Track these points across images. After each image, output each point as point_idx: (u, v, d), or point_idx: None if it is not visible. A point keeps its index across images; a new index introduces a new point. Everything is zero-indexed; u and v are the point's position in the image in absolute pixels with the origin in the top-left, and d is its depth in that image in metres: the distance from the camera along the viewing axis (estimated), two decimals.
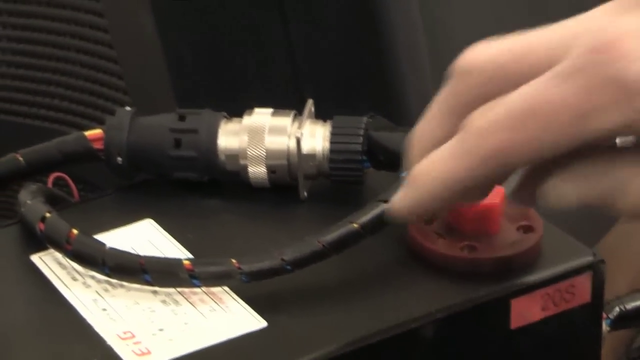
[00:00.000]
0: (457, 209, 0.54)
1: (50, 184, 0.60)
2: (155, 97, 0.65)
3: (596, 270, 0.54)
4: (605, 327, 0.57)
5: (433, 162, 0.48)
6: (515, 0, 0.89)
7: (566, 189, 0.48)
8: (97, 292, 0.53)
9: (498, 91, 0.47)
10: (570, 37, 0.46)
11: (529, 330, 0.53)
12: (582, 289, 0.54)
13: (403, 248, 0.55)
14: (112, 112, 0.63)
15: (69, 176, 0.62)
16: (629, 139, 0.47)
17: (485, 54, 0.48)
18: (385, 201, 0.54)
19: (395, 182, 0.55)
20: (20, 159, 0.60)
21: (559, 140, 0.46)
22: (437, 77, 0.64)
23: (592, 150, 0.48)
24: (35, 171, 0.60)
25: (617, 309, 0.59)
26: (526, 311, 0.53)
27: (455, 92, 0.49)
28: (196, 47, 0.73)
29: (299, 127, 0.58)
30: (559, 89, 0.45)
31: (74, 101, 0.81)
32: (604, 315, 0.57)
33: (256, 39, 0.70)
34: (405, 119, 0.66)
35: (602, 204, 0.48)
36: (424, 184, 0.48)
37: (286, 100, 0.61)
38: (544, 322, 0.53)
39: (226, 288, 0.53)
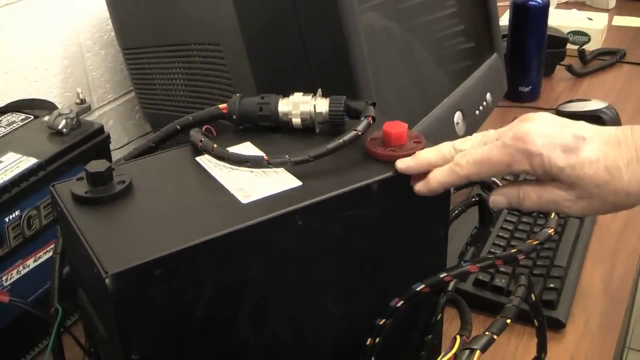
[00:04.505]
0: (387, 133, 0.55)
1: (203, 130, 0.59)
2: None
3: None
4: (452, 188, 0.56)
5: (438, 173, 0.52)
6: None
7: (498, 198, 0.53)
8: (226, 171, 0.54)
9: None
10: (507, 128, 0.51)
11: None
12: None
13: (362, 151, 0.56)
14: None
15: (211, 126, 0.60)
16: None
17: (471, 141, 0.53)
18: (355, 130, 0.55)
19: (356, 123, 0.56)
20: (190, 118, 0.60)
21: (497, 173, 0.50)
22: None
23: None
24: (196, 124, 0.59)
25: None
26: (418, 176, 0.53)
27: (448, 152, 0.53)
28: (268, 77, 0.73)
29: (315, 100, 0.58)
30: (500, 152, 0.50)
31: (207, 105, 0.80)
32: None
33: (293, 71, 0.71)
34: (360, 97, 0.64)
35: (517, 206, 0.52)
36: (432, 184, 0.52)
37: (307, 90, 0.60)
38: None
39: (283, 169, 0.54)
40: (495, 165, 0.50)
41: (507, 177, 0.92)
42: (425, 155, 0.54)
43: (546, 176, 0.50)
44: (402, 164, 0.53)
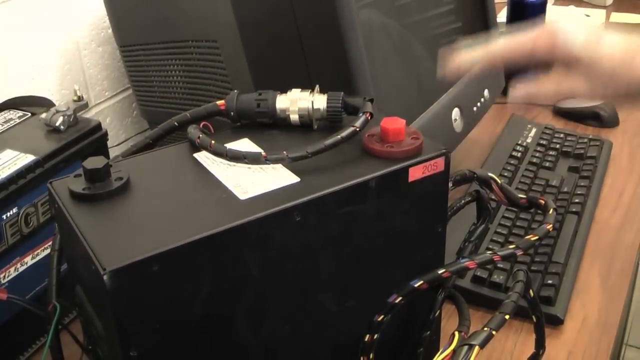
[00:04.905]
0: (384, 129, 0.54)
1: (200, 126, 0.58)
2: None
3: (446, 156, 0.55)
4: (450, 184, 0.58)
5: (475, 51, 0.58)
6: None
7: (517, 91, 0.59)
8: (224, 168, 0.53)
9: None
10: (543, 27, 0.56)
11: (416, 182, 0.54)
12: (440, 164, 0.54)
13: (360, 147, 0.55)
14: None
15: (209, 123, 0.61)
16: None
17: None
18: (353, 126, 0.54)
19: (354, 119, 0.55)
20: (188, 115, 0.59)
21: (522, 57, 0.56)
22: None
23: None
24: (194, 121, 0.59)
25: (454, 176, 0.61)
26: (416, 173, 0.54)
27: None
28: (265, 73, 0.73)
29: (312, 96, 0.58)
30: (527, 36, 0.56)
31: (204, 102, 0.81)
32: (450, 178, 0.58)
33: (291, 68, 0.71)
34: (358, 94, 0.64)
35: (535, 96, 0.58)
36: (463, 56, 0.58)
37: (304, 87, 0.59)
38: (423, 178, 0.54)
39: (281, 165, 0.53)
40: (520, 47, 0.56)
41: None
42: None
43: (565, 60, 0.55)
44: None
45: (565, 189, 0.93)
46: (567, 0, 1.71)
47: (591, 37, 0.55)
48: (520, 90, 0.59)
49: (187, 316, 0.47)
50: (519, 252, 0.56)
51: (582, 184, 0.95)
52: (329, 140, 0.54)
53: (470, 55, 0.58)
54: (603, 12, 1.60)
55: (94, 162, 0.51)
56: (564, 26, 0.56)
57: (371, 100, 0.58)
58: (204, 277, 0.47)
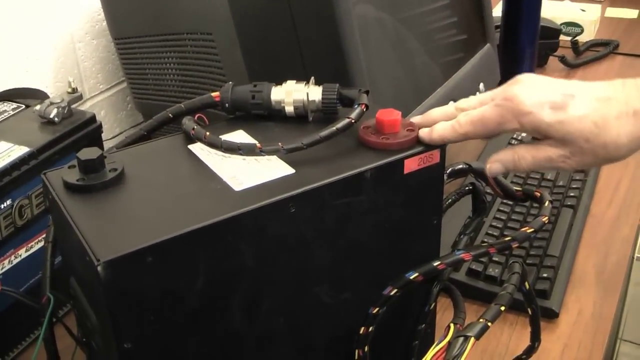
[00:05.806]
0: (380, 121, 0.54)
1: (195, 118, 0.58)
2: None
3: (442, 149, 0.54)
4: (445, 177, 0.58)
5: (440, 127, 0.54)
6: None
7: (494, 165, 0.55)
8: (219, 159, 0.53)
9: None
10: (500, 89, 0.54)
11: (411, 174, 0.54)
12: (435, 157, 0.54)
13: (355, 139, 0.55)
14: None
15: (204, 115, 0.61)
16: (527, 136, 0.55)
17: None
18: (349, 118, 0.54)
19: (349, 111, 0.55)
20: (183, 106, 0.59)
21: (491, 132, 0.53)
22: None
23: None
24: (189, 113, 0.59)
25: (450, 169, 0.61)
26: (411, 165, 0.53)
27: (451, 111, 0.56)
28: (260, 65, 0.73)
29: (308, 88, 0.57)
30: (492, 112, 0.52)
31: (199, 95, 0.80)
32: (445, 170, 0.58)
33: (286, 60, 0.71)
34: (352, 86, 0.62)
35: (514, 168, 0.55)
36: (434, 135, 0.54)
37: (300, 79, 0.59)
38: (419, 170, 0.54)
39: (276, 157, 0.53)
40: (488, 125, 0.53)
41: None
42: (433, 113, 0.57)
43: (536, 134, 0.52)
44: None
45: (561, 183, 0.93)
46: None
47: (558, 102, 0.50)
48: (497, 165, 0.55)
49: (182, 307, 0.47)
50: (515, 244, 0.56)
51: (577, 177, 0.95)
52: (324, 132, 0.53)
53: (441, 133, 0.54)
54: (598, 7, 1.60)
55: (88, 153, 0.51)
56: (528, 94, 0.51)
57: (367, 92, 0.58)
58: (198, 268, 0.47)
